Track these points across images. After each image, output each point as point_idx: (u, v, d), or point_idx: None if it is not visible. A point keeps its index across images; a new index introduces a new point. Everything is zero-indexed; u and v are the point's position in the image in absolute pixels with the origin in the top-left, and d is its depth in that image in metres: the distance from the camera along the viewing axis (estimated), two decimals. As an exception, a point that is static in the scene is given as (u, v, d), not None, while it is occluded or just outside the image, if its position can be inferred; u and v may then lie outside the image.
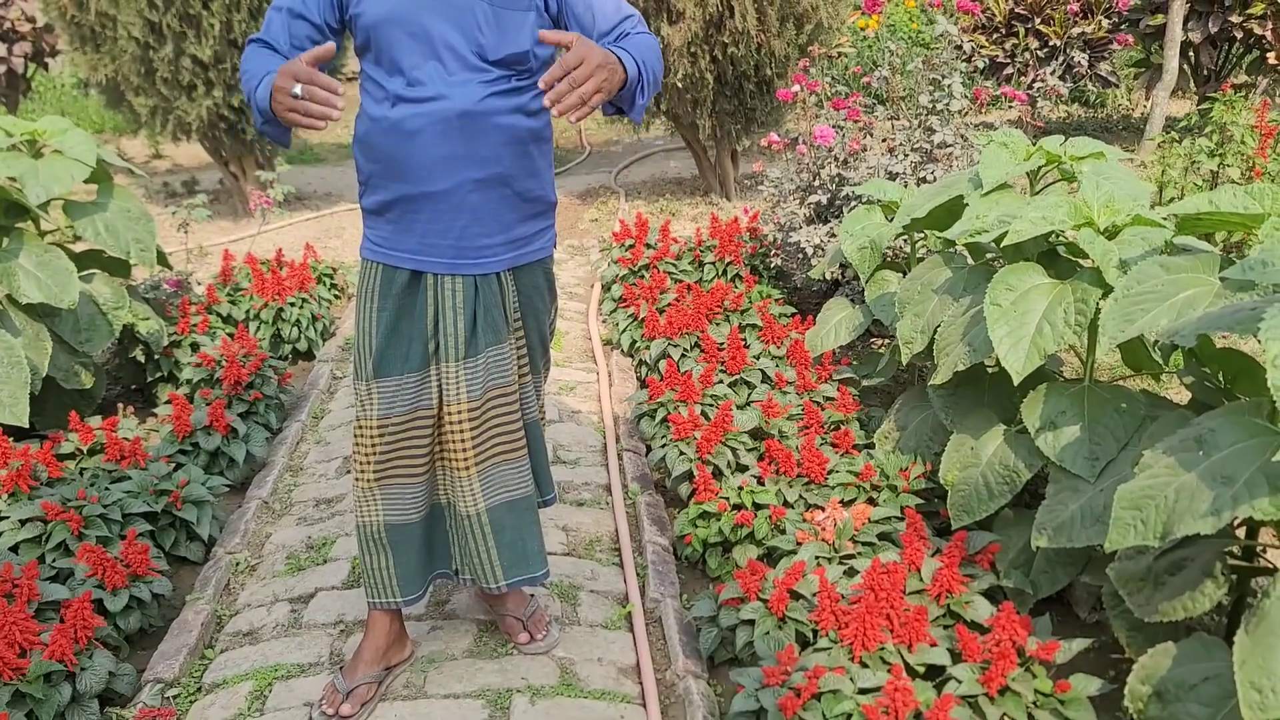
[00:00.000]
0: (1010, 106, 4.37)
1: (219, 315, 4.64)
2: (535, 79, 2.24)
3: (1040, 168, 2.99)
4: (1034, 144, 2.99)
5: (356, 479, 2.40)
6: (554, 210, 2.43)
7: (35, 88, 8.78)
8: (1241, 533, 2.31)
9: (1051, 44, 7.07)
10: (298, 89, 1.94)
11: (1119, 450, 2.34)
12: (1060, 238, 2.72)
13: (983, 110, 4.30)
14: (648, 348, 4.29)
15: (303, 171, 8.28)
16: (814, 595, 2.45)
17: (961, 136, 4.33)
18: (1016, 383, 2.42)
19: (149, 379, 4.23)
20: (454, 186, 2.19)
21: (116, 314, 3.91)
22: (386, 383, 2.31)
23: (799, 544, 2.76)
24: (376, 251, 2.29)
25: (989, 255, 3.05)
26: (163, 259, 4.25)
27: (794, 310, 4.41)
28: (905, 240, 4.04)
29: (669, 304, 4.54)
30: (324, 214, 7.03)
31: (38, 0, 6.65)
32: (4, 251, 3.63)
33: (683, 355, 4.08)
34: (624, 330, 4.63)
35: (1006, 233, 2.53)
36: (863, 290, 3.98)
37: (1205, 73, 7.65)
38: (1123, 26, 7.63)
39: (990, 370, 2.92)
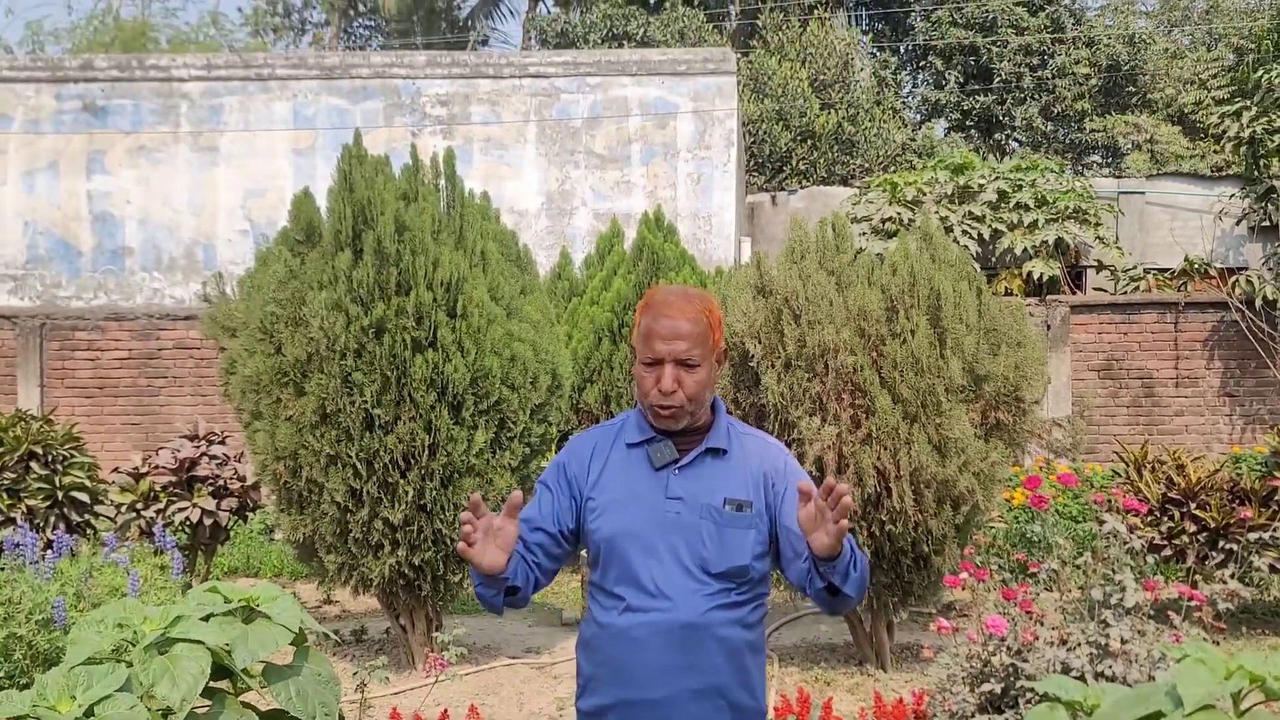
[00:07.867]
0: (1180, 599, 4.35)
1: (382, 781, 4.66)
2: (754, 592, 2.42)
3: (1243, 690, 2.92)
4: (1224, 651, 2.95)
5: None
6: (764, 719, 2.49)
7: (231, 535, 9.57)
8: None
9: (1211, 528, 7.08)
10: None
11: None
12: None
13: (1156, 602, 4.29)
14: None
15: (463, 621, 8.52)
16: None
17: (1138, 632, 4.27)
18: None
19: None
20: (673, 695, 2.31)
21: (292, 780, 3.98)
22: None
23: None
24: (590, 755, 2.37)
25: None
26: (344, 723, 4.38)
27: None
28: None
29: (837, 794, 4.37)
30: (483, 669, 7.17)
31: (251, 464, 7.44)
32: (207, 716, 3.83)
33: None
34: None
35: (1219, 763, 2.45)
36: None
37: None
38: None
39: None
